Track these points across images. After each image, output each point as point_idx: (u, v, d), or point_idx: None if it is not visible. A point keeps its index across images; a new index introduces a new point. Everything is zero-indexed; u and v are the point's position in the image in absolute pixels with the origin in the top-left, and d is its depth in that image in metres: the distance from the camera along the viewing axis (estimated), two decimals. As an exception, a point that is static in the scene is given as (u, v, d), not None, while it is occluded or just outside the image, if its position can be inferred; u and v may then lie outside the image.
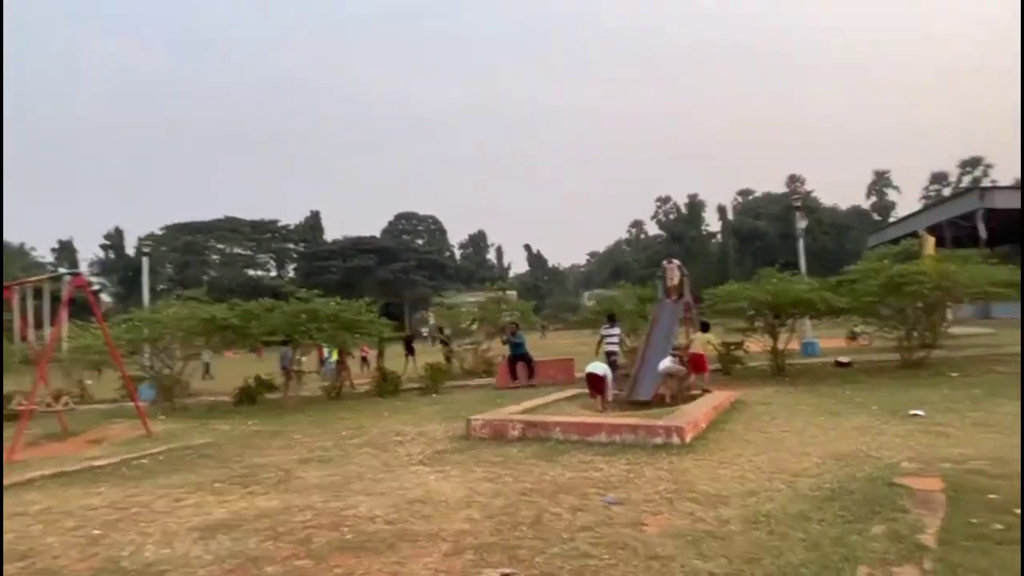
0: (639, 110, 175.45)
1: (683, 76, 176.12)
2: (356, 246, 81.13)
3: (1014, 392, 10.36)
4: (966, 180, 79.41)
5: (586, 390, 11.18)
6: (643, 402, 11.20)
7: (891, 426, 8.24)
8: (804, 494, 5.40)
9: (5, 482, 7.20)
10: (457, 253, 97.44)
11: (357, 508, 5.67)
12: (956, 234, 39.02)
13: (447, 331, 21.37)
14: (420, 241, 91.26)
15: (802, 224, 23.22)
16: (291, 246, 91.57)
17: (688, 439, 7.64)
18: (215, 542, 4.92)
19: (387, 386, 15.45)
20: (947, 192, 77.74)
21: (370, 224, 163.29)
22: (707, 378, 12.30)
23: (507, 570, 4.11)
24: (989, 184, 51.65)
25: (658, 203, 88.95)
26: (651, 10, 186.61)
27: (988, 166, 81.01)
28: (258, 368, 18.38)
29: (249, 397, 15.62)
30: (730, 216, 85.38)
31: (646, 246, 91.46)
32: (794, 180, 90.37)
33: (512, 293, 35.91)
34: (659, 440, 7.61)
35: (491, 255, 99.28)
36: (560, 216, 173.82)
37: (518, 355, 16.34)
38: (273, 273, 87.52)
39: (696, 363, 12.09)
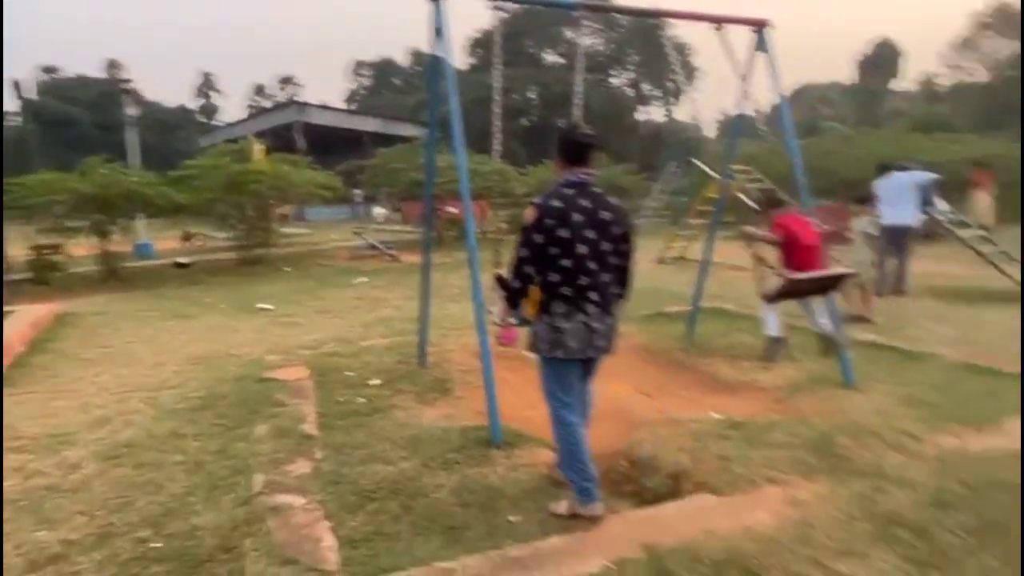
0: None
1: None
2: None
3: (340, 280, 11.96)
4: (282, 96, 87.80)
5: None
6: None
7: (244, 322, 8.21)
8: (170, 409, 4.69)
9: None
10: None
11: None
12: (276, 143, 43.32)
13: None
14: None
15: (132, 112, 20.81)
16: None
17: (-1, 369, 5.74)
18: None
19: None
20: (268, 104, 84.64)
21: None
22: None
23: None
24: (302, 101, 58.26)
25: None
26: None
27: (299, 85, 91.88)
28: None
29: None
30: (33, 96, 70.51)
31: None
32: (114, 66, 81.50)
33: None
34: (-49, 377, 5.47)
35: None
36: None
37: None
38: None
39: None
